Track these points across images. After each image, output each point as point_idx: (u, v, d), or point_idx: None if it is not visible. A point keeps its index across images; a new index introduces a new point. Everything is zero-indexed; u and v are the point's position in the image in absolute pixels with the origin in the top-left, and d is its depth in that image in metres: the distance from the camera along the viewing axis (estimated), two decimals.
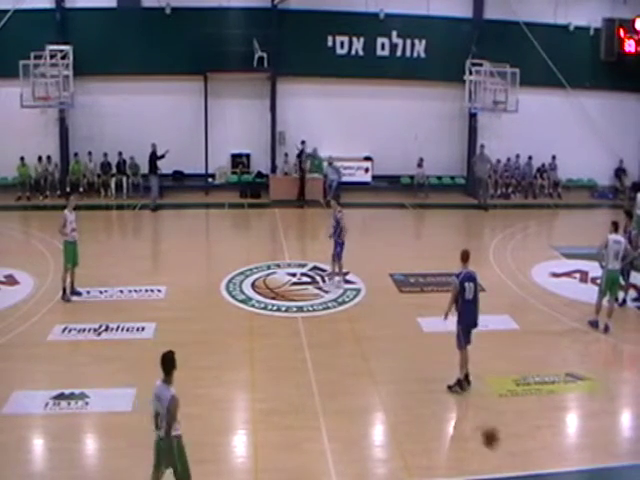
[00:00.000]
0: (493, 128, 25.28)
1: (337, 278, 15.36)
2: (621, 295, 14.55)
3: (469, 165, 25.77)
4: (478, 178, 24.63)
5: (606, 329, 13.16)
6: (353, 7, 24.41)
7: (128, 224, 22.89)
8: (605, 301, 13.51)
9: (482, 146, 24.86)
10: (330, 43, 24.85)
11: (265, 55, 23.70)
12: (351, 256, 17.34)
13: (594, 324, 13.36)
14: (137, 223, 22.70)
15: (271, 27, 23.73)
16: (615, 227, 13.56)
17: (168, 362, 7.33)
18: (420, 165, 25.23)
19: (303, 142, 24.06)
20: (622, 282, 14.45)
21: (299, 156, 24.16)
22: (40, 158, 23.82)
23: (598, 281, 15.33)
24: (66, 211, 14.39)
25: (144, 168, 23.95)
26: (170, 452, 7.30)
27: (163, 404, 7.22)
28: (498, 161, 25.69)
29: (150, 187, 23.03)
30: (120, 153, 24.16)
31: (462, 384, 10.70)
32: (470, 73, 24.34)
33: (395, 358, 12.01)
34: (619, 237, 13.47)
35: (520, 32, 24.45)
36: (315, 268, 16.27)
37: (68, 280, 14.34)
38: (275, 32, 23.73)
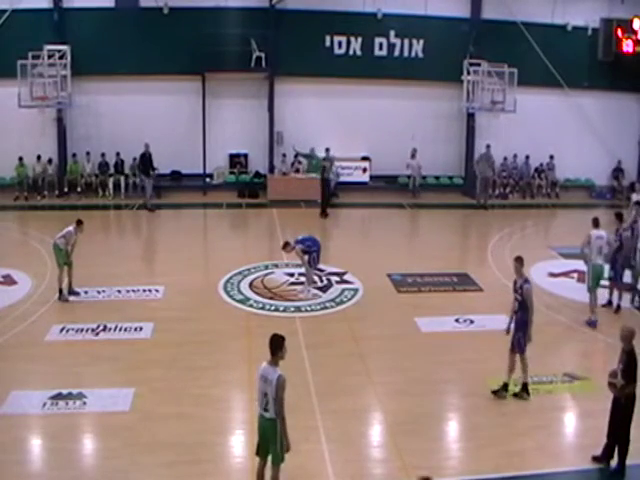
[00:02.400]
0: (491, 128, 25.33)
1: (310, 288, 15.09)
2: (615, 300, 14.56)
3: (467, 165, 25.82)
4: (483, 178, 24.61)
5: (593, 323, 13.36)
6: (351, 7, 24.44)
7: (126, 224, 22.88)
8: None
9: (488, 146, 24.80)
10: (328, 43, 24.84)
11: (263, 55, 23.71)
12: (349, 256, 17.41)
13: (591, 324, 13.40)
14: (135, 223, 22.70)
15: (269, 27, 23.74)
16: (596, 223, 13.77)
17: (275, 344, 7.49)
18: (413, 156, 25.10)
19: (327, 150, 23.21)
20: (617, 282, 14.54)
21: (323, 170, 22.68)
22: (39, 157, 23.72)
23: None
24: (72, 229, 14.32)
25: None
26: (273, 432, 7.51)
27: (271, 385, 7.39)
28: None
29: (144, 187, 23.10)
30: (118, 153, 24.11)
31: (528, 388, 10.53)
32: (468, 73, 24.41)
33: (393, 358, 12.02)
34: (601, 232, 13.65)
35: (518, 32, 24.47)
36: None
37: (65, 280, 14.33)
38: (273, 32, 23.73)
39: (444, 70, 24.71)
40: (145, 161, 22.96)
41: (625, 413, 8.54)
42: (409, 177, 25.43)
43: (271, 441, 7.59)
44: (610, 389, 8.61)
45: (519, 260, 10.62)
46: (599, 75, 25.76)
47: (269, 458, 7.72)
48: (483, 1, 25.20)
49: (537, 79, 24.79)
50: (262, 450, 7.74)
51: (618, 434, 8.61)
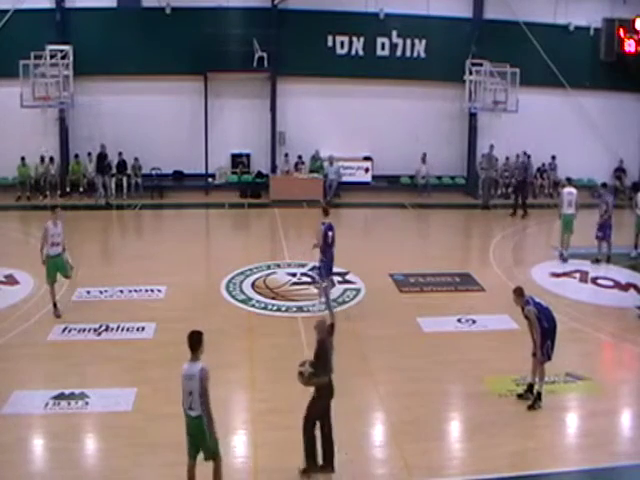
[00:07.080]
0: (493, 128, 25.31)
1: (322, 299, 14.12)
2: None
3: (469, 165, 25.81)
4: (486, 177, 24.60)
5: (562, 256, 17.49)
6: (353, 7, 24.42)
7: (128, 224, 22.89)
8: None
9: (492, 146, 24.79)
10: (330, 43, 24.86)
11: (265, 55, 23.73)
12: (351, 256, 17.37)
13: (560, 255, 17.50)
14: (137, 223, 22.74)
15: (271, 27, 23.75)
16: (569, 181, 18.71)
17: (195, 340, 7.64)
18: (424, 161, 25.13)
19: (527, 155, 23.54)
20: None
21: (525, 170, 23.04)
22: (42, 159, 23.77)
23: (598, 280, 16.13)
24: (49, 223, 13.37)
25: (146, 168, 24.22)
26: (201, 429, 7.52)
27: (195, 380, 7.45)
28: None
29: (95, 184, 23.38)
30: (120, 153, 24.13)
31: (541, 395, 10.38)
32: (470, 73, 24.36)
33: (395, 358, 12.01)
34: (572, 189, 17.68)
35: (520, 32, 24.46)
36: (315, 268, 16.22)
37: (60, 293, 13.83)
38: (275, 32, 23.74)
39: (446, 70, 24.70)
40: (101, 161, 23.14)
41: (317, 406, 8.40)
42: (412, 177, 25.36)
43: (200, 438, 7.58)
44: (298, 379, 8.38)
45: (516, 292, 10.27)
46: (601, 75, 25.75)
47: (200, 457, 7.72)
48: (485, 1, 25.20)
49: (539, 79, 24.77)
50: (192, 450, 7.72)
51: (305, 428, 8.45)
